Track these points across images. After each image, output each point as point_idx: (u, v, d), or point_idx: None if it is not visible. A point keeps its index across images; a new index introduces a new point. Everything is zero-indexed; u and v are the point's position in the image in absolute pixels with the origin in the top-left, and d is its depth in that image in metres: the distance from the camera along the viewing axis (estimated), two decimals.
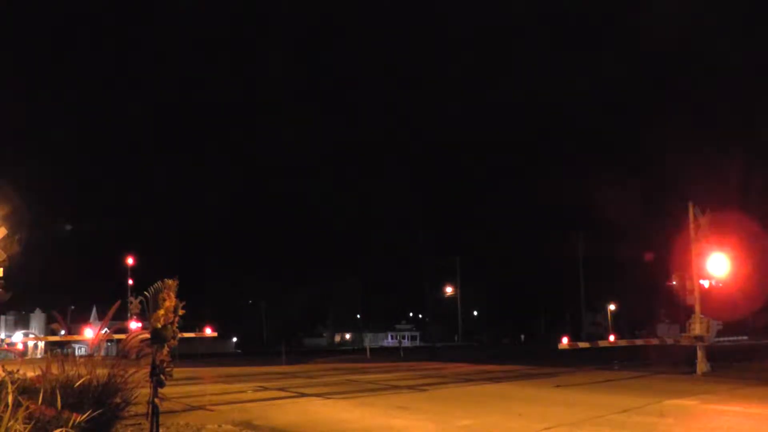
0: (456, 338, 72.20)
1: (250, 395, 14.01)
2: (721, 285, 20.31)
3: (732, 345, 41.12)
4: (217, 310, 58.86)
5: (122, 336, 8.63)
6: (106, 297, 48.26)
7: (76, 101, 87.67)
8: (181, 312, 7.09)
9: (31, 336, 56.30)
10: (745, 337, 53.84)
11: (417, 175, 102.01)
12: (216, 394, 13.86)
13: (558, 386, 15.91)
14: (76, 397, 6.77)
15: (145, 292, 7.17)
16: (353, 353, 46.43)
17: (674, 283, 20.95)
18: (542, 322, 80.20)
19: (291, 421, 10.06)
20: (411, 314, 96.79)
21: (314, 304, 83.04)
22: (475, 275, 73.74)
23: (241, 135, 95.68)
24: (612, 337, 29.76)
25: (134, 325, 13.94)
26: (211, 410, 11.20)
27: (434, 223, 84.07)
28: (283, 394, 14.39)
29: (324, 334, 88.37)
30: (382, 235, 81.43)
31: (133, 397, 7.44)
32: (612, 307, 68.03)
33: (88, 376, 7.12)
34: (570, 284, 70.48)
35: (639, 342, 24.36)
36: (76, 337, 30.55)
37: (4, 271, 8.38)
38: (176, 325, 7.05)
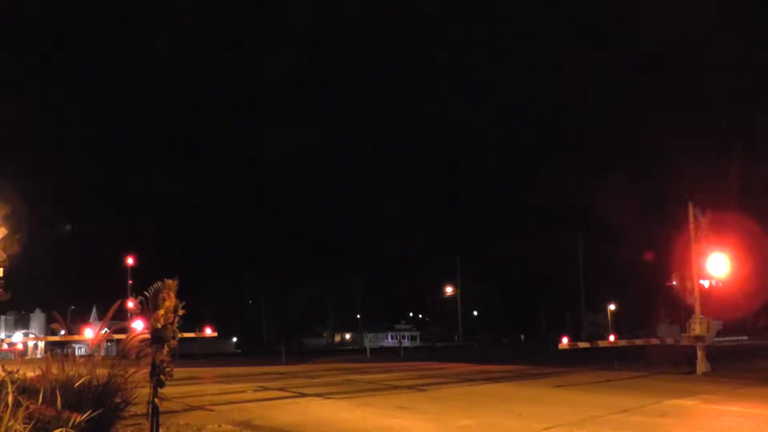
0: (456, 338, 72.22)
1: (250, 395, 14.01)
2: (721, 285, 20.31)
3: (732, 345, 41.15)
4: (217, 310, 58.90)
5: (122, 336, 8.63)
6: (106, 297, 48.33)
7: (76, 101, 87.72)
8: (181, 312, 7.09)
9: (31, 336, 56.25)
10: (745, 337, 53.90)
11: (417, 174, 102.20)
12: (216, 394, 13.86)
13: (558, 386, 15.90)
14: (76, 397, 6.77)
15: (145, 292, 7.16)
16: (353, 353, 46.46)
17: (674, 283, 20.95)
18: (542, 322, 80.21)
19: (291, 421, 10.05)
20: (411, 314, 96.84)
21: (314, 304, 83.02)
22: (475, 275, 73.80)
23: (241, 135, 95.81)
24: (612, 337, 29.73)
25: (134, 325, 13.94)
26: (211, 410, 11.20)
27: (434, 223, 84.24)
28: (283, 394, 14.38)
29: (324, 334, 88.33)
30: (382, 235, 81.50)
31: (133, 397, 7.43)
32: (612, 307, 68.00)
33: (88, 376, 7.11)
34: (570, 284, 70.50)
35: (639, 342, 24.34)
36: (76, 337, 30.55)
37: (4, 271, 8.37)
38: (176, 325, 7.05)
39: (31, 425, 5.78)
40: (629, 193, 56.28)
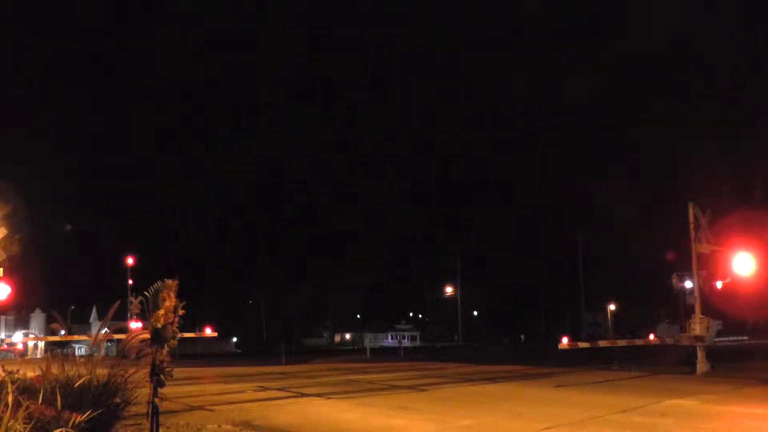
0: (456, 338, 72.20)
1: (250, 395, 14.00)
2: (720, 285, 20.29)
3: (732, 345, 41.17)
4: (217, 310, 58.92)
5: (122, 336, 8.63)
6: (106, 297, 48.35)
7: (77, 101, 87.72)
8: (181, 312, 7.09)
9: (31, 336, 56.27)
10: (746, 337, 53.94)
11: (417, 175, 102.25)
12: (216, 394, 13.87)
13: (558, 386, 15.90)
14: (76, 397, 6.77)
15: (145, 292, 7.16)
16: (353, 353, 46.45)
17: (674, 283, 20.94)
18: (542, 322, 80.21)
19: (291, 421, 10.05)
20: (411, 314, 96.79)
21: (314, 304, 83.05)
22: (475, 275, 73.86)
23: (241, 135, 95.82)
24: (612, 337, 29.73)
25: (134, 325, 13.93)
26: (211, 410, 11.20)
27: (434, 223, 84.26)
28: (283, 394, 14.38)
29: (324, 334, 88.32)
30: (382, 235, 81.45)
31: (133, 397, 7.44)
32: (612, 307, 68.02)
33: (88, 376, 7.11)
34: (570, 284, 70.57)
35: (639, 342, 24.33)
36: (76, 337, 30.53)
37: (4, 271, 8.38)
38: (176, 325, 7.05)
39: (31, 425, 5.78)
40: (629, 193, 56.34)
